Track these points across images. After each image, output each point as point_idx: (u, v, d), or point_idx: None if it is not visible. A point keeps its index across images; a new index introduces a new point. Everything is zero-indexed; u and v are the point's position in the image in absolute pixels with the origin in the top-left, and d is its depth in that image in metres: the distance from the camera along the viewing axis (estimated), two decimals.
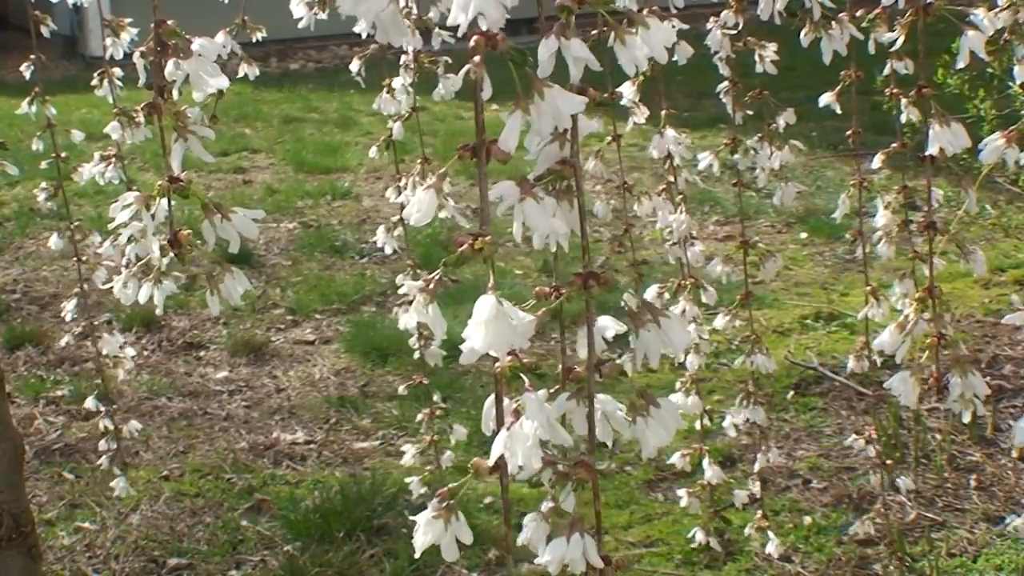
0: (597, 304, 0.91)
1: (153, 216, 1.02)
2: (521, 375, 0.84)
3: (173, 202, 1.05)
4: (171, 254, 1.03)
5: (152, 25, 1.03)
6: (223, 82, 1.06)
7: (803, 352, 3.66)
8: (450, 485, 0.87)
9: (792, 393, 3.41)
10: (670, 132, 2.00)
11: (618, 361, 0.95)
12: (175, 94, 1.06)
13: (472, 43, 0.83)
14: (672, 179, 2.11)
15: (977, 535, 2.69)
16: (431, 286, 0.88)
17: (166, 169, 1.03)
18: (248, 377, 3.73)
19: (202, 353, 3.92)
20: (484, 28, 0.81)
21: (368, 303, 4.21)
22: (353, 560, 2.63)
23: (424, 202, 0.89)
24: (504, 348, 0.83)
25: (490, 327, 0.82)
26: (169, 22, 1.03)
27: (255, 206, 5.50)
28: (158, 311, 1.14)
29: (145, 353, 3.91)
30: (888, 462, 2.22)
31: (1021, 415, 3.13)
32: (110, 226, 1.07)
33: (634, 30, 0.86)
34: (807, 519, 2.77)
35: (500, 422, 0.85)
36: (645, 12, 0.86)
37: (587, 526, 0.88)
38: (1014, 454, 3.00)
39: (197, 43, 1.03)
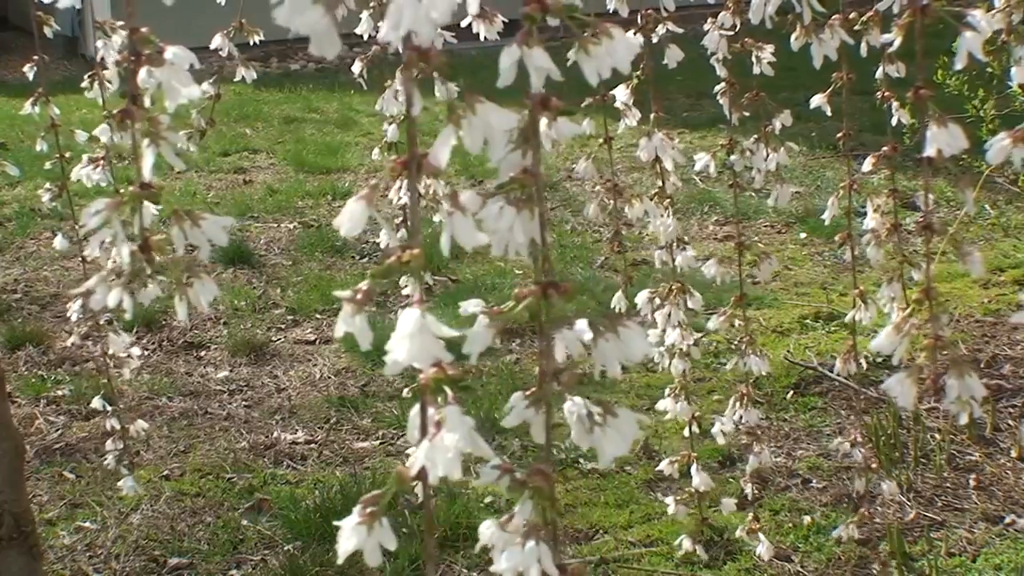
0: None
1: (125, 222, 1.02)
2: (444, 387, 0.85)
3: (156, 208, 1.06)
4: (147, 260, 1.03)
5: (127, 32, 1.03)
6: (195, 92, 1.06)
7: (803, 352, 3.67)
8: (374, 492, 0.88)
9: (792, 393, 3.42)
10: (658, 136, 2.01)
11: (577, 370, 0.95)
12: (148, 101, 1.06)
13: (405, 59, 0.83)
14: (661, 183, 2.12)
15: (976, 535, 2.69)
16: (359, 296, 0.89)
17: (136, 175, 1.04)
18: (248, 377, 3.74)
19: (203, 353, 3.93)
20: (417, 43, 0.82)
21: (368, 303, 4.21)
22: (353, 560, 2.62)
23: (356, 212, 0.89)
24: (427, 361, 0.83)
25: (414, 340, 0.83)
26: (143, 29, 1.03)
27: (255, 206, 5.51)
28: (127, 316, 1.14)
29: (146, 353, 3.91)
30: (874, 465, 2.22)
31: (1021, 415, 3.14)
32: (81, 231, 1.07)
33: (598, 41, 0.86)
34: (807, 519, 2.78)
35: (424, 433, 0.85)
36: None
37: (544, 532, 0.88)
38: (1014, 454, 3.00)
39: (170, 52, 1.03)
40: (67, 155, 2.31)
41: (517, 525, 0.89)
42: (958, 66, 1.20)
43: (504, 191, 0.88)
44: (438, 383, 0.84)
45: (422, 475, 0.85)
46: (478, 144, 0.85)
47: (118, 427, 2.51)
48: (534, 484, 0.88)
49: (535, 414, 0.91)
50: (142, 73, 1.02)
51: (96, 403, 2.56)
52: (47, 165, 2.38)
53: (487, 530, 0.92)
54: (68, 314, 2.45)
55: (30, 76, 2.30)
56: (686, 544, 2.48)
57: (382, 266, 0.86)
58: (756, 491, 2.83)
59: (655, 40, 1.94)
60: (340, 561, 0.87)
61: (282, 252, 4.87)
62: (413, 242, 0.86)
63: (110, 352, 2.42)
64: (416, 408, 0.87)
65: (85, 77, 2.21)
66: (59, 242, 2.48)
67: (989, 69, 3.38)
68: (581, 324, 0.91)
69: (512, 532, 0.89)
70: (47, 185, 2.39)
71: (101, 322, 2.43)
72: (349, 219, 0.89)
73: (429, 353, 0.83)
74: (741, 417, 2.23)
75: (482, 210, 0.86)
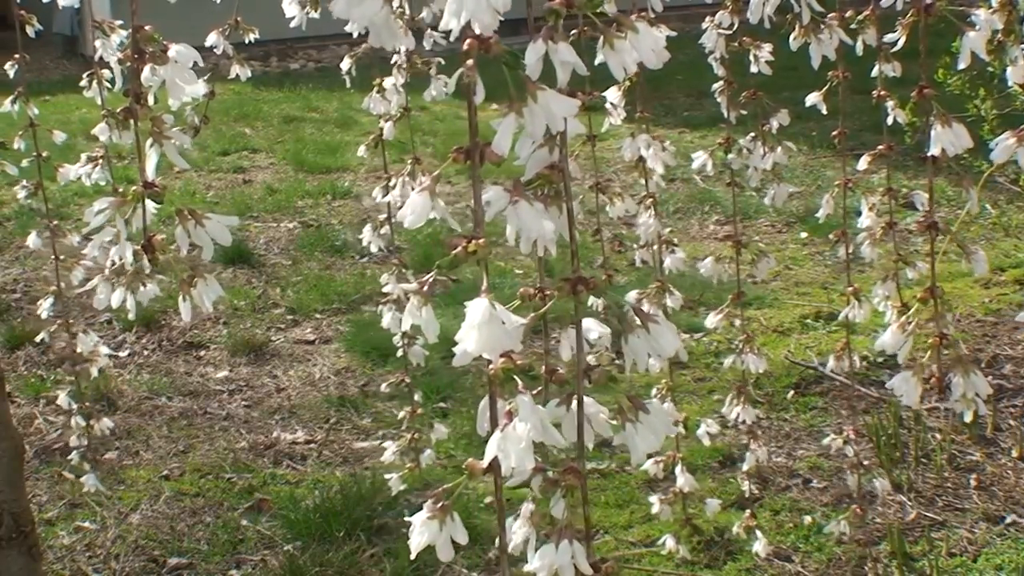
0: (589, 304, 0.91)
1: (127, 221, 1.01)
2: (514, 377, 0.84)
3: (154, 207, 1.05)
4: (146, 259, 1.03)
5: (131, 29, 1.03)
6: (199, 89, 1.06)
7: (803, 352, 3.66)
8: (445, 485, 0.87)
9: (792, 393, 3.41)
10: (643, 136, 2.01)
11: (606, 366, 0.95)
12: (151, 99, 1.06)
13: (465, 47, 0.82)
14: (644, 182, 2.13)
15: (977, 535, 2.69)
16: (425, 288, 0.88)
17: (140, 174, 1.03)
18: (248, 377, 3.73)
19: (202, 353, 3.92)
20: (477, 32, 0.81)
21: (368, 303, 4.21)
22: (353, 560, 2.63)
23: (418, 205, 0.88)
24: (497, 351, 0.82)
25: (483, 330, 0.82)
26: (147, 27, 1.02)
27: (255, 206, 5.51)
28: (131, 316, 1.14)
29: (145, 353, 3.91)
30: (867, 462, 2.22)
31: (1022, 414, 3.14)
32: (84, 230, 1.07)
33: (623, 35, 0.85)
34: (807, 519, 2.77)
35: (494, 424, 0.85)
36: (634, 16, 0.86)
37: (577, 531, 0.88)
38: (1015, 454, 3.00)
39: (174, 49, 1.03)
40: (44, 154, 2.32)
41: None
42: (961, 65, 1.20)
43: (532, 187, 0.88)
44: (508, 373, 0.84)
45: (494, 466, 0.84)
46: (540, 131, 0.84)
47: (83, 424, 2.54)
48: (567, 482, 0.88)
49: (566, 411, 0.91)
50: (146, 71, 1.02)
51: (62, 400, 2.59)
52: (23, 163, 2.39)
53: (519, 529, 0.92)
54: (38, 312, 2.47)
55: (11, 74, 2.30)
56: (669, 543, 2.48)
57: (448, 257, 0.85)
58: (756, 490, 2.83)
59: None
60: (412, 556, 0.87)
61: (282, 252, 4.87)
62: (478, 231, 0.85)
63: (79, 350, 2.43)
64: (485, 400, 0.86)
65: (84, 76, 2.21)
66: (32, 240, 2.49)
67: (990, 68, 3.37)
68: (587, 322, 0.91)
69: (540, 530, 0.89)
70: (23, 183, 2.39)
71: (70, 320, 2.44)
72: (412, 211, 0.88)
73: (499, 342, 0.82)
74: (738, 416, 2.23)
75: (510, 206, 0.85)
